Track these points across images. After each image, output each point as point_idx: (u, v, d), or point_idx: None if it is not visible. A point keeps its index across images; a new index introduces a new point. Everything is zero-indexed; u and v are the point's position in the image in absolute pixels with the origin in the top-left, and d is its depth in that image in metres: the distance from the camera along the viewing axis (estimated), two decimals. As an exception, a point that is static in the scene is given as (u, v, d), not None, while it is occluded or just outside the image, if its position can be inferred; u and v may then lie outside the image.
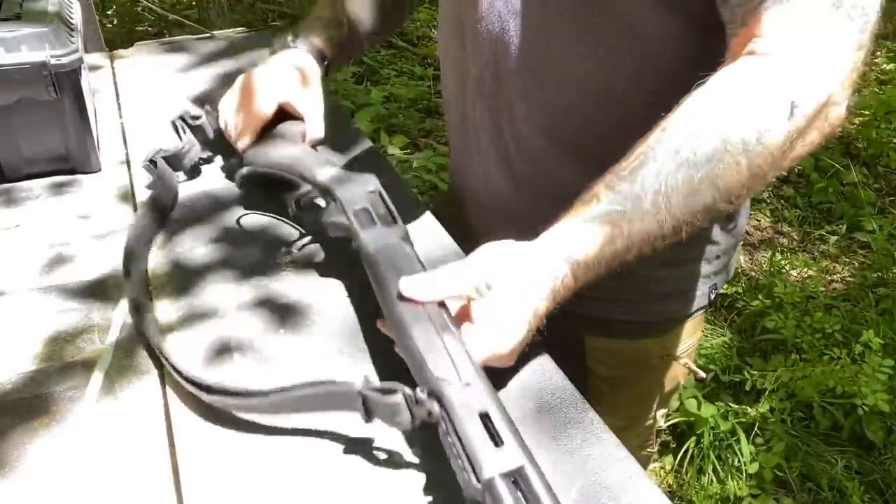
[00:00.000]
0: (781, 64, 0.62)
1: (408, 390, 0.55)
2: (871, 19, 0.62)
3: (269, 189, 0.90)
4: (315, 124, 0.92)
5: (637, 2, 0.71)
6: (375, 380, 0.58)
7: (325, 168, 0.83)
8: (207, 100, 1.05)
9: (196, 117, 0.98)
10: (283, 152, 0.88)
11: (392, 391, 0.55)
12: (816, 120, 0.62)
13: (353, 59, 3.77)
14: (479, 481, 0.49)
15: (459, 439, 0.51)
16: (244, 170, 0.89)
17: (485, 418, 0.52)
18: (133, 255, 0.81)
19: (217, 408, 0.64)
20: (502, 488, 0.48)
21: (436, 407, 0.54)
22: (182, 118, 0.99)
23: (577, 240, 0.62)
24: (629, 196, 0.61)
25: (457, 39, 0.85)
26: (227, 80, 1.30)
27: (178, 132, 0.98)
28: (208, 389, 0.63)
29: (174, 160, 0.94)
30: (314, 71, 0.95)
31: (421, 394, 0.54)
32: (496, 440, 0.50)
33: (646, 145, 0.63)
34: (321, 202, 0.83)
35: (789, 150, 0.62)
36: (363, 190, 0.78)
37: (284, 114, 0.93)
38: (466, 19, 0.82)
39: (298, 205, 0.83)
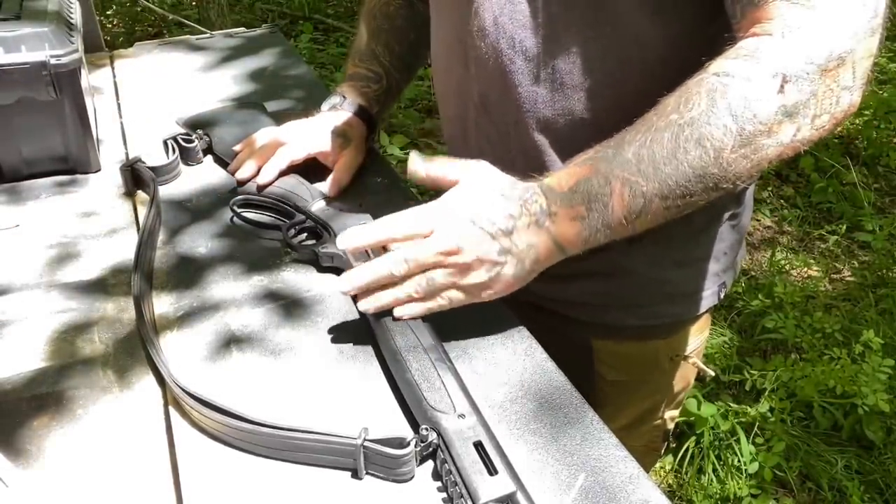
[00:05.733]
0: (778, 37, 0.61)
1: (414, 435, 0.58)
2: (881, 10, 0.61)
3: (263, 212, 0.92)
4: (335, 182, 0.95)
5: (637, 12, 0.71)
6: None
7: (320, 200, 0.88)
8: (199, 124, 1.07)
9: (189, 140, 1.02)
10: (279, 182, 0.92)
11: (401, 441, 0.57)
12: (823, 97, 0.60)
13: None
14: None
15: (456, 467, 0.55)
16: (238, 197, 0.91)
17: (478, 447, 0.56)
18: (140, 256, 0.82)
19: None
20: None
21: (434, 436, 0.58)
22: (175, 139, 1.03)
23: (553, 175, 0.68)
24: (612, 145, 0.65)
25: (457, 61, 0.85)
26: (226, 80, 1.30)
27: (167, 150, 1.02)
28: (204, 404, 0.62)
29: (155, 172, 0.96)
30: (357, 132, 1.00)
31: (425, 431, 0.58)
32: (490, 468, 0.54)
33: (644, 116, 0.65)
34: (315, 231, 0.86)
35: (788, 125, 0.60)
36: (357, 223, 0.81)
37: (311, 166, 0.95)
38: (468, 39, 0.81)
39: (292, 233, 0.86)
